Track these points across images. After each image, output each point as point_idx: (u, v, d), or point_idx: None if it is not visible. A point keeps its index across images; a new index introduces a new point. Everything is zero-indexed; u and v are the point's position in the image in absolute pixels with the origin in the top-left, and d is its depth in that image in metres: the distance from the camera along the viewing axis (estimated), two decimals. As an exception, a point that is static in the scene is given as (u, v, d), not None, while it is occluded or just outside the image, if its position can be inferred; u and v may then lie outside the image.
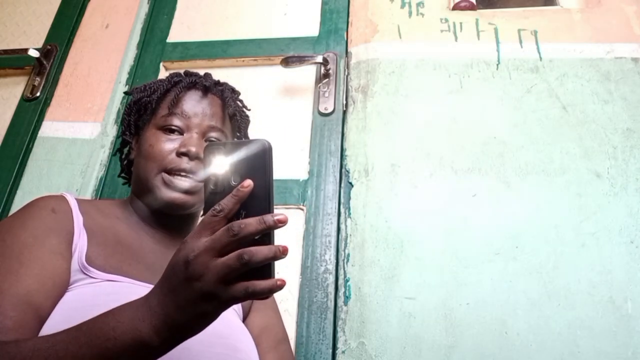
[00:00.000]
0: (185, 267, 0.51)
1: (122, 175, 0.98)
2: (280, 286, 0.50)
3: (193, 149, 0.81)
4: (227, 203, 0.52)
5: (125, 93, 0.93)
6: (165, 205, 0.81)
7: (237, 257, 0.50)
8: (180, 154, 0.81)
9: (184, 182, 0.80)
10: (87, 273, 0.68)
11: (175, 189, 0.80)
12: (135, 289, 0.69)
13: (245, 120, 0.97)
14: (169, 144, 0.82)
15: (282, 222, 0.51)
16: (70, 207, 0.75)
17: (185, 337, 0.53)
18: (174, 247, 0.83)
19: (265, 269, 0.51)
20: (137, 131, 0.90)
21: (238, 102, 0.95)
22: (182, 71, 0.91)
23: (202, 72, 0.92)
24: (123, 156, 0.96)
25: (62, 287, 0.66)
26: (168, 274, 0.53)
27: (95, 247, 0.72)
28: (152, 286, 0.70)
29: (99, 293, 0.66)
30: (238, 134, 0.98)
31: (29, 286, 0.63)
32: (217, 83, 0.91)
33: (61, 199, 0.76)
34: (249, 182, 0.52)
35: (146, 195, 0.83)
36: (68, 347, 0.52)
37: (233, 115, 0.93)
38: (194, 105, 0.86)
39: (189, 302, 0.51)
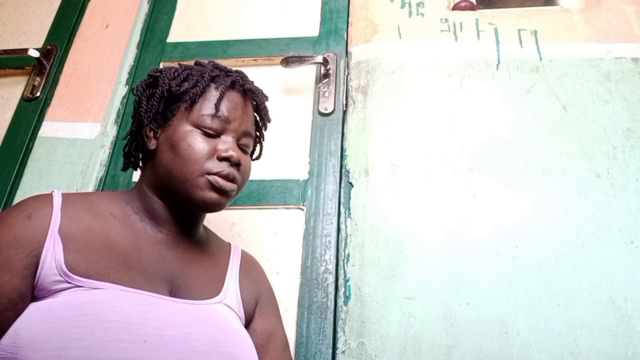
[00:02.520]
0: None
1: (126, 160, 0.92)
2: None
3: (235, 155, 0.81)
4: None
5: (149, 75, 0.89)
6: (203, 206, 0.80)
7: None
8: (222, 159, 0.80)
9: (228, 185, 0.80)
10: (71, 281, 0.66)
11: (219, 191, 0.80)
12: (125, 296, 0.67)
13: (267, 126, 0.98)
14: (208, 146, 0.80)
15: None
16: (51, 210, 0.72)
17: None
18: (176, 247, 0.81)
19: None
20: (163, 121, 0.84)
21: (267, 107, 0.96)
22: (210, 63, 0.89)
23: (233, 67, 0.91)
24: (132, 141, 0.89)
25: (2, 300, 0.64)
26: None
27: (74, 254, 0.68)
28: (143, 292, 0.69)
29: (87, 302, 0.64)
30: (257, 141, 0.98)
31: None
32: (253, 86, 0.91)
33: (46, 200, 0.73)
34: None
35: (177, 193, 0.80)
36: None
37: (261, 119, 0.95)
38: (234, 108, 0.84)
39: None
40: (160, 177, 0.82)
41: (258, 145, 0.99)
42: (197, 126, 0.81)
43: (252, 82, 0.91)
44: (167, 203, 0.82)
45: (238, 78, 0.87)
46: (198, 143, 0.80)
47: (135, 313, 0.66)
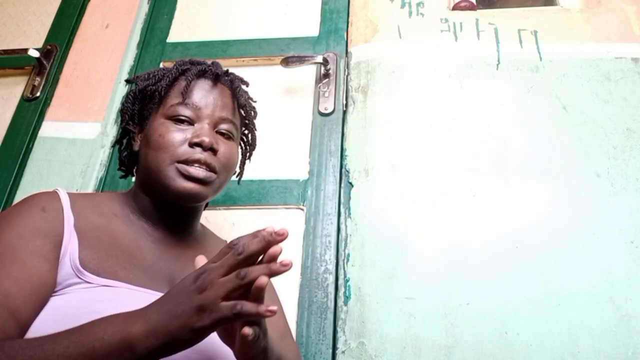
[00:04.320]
0: (194, 280, 0.55)
1: (121, 168, 0.95)
2: (267, 313, 0.52)
3: (207, 139, 0.78)
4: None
5: (126, 81, 0.91)
6: (179, 196, 0.78)
7: (236, 273, 0.53)
8: (193, 145, 0.79)
9: (200, 172, 0.78)
10: (82, 277, 0.66)
11: (191, 179, 0.78)
12: (132, 295, 0.68)
13: (254, 111, 0.96)
14: (180, 134, 0.79)
15: (280, 235, 0.55)
16: (61, 205, 0.72)
17: (170, 351, 0.54)
18: (174, 246, 0.82)
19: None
20: (140, 121, 0.87)
21: (247, 93, 0.93)
22: (187, 59, 0.88)
23: (209, 61, 0.89)
24: (122, 147, 0.93)
25: (42, 290, 0.64)
26: (176, 286, 0.57)
27: (87, 250, 0.69)
28: (148, 290, 0.70)
29: (95, 299, 0.65)
30: (245, 130, 0.96)
31: (7, 289, 0.61)
32: (226, 72, 0.89)
33: (54, 196, 0.74)
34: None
35: (156, 187, 0.80)
36: (55, 346, 0.53)
37: (243, 105, 0.91)
38: (204, 95, 0.83)
39: (185, 313, 0.53)
40: (143, 175, 0.83)
41: (250, 134, 0.98)
42: (169, 117, 0.81)
43: (227, 70, 0.89)
44: (154, 200, 0.83)
45: (209, 68, 0.86)
46: (169, 132, 0.80)
47: None
